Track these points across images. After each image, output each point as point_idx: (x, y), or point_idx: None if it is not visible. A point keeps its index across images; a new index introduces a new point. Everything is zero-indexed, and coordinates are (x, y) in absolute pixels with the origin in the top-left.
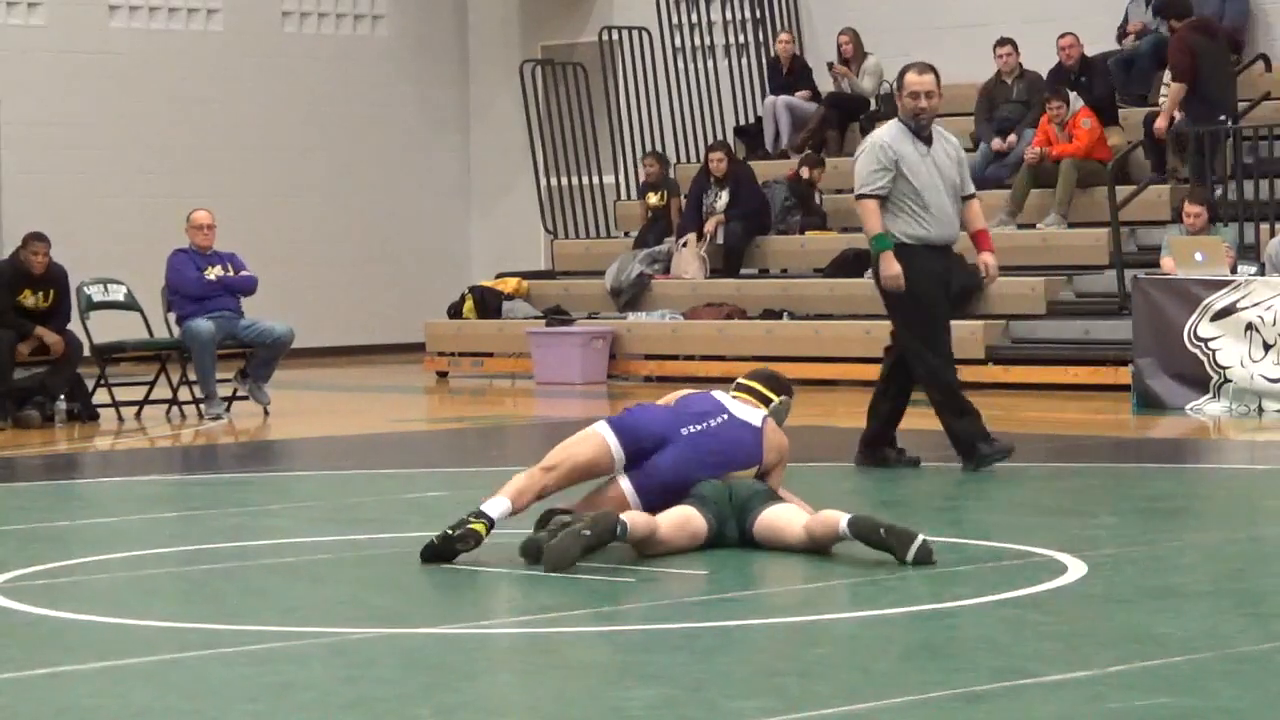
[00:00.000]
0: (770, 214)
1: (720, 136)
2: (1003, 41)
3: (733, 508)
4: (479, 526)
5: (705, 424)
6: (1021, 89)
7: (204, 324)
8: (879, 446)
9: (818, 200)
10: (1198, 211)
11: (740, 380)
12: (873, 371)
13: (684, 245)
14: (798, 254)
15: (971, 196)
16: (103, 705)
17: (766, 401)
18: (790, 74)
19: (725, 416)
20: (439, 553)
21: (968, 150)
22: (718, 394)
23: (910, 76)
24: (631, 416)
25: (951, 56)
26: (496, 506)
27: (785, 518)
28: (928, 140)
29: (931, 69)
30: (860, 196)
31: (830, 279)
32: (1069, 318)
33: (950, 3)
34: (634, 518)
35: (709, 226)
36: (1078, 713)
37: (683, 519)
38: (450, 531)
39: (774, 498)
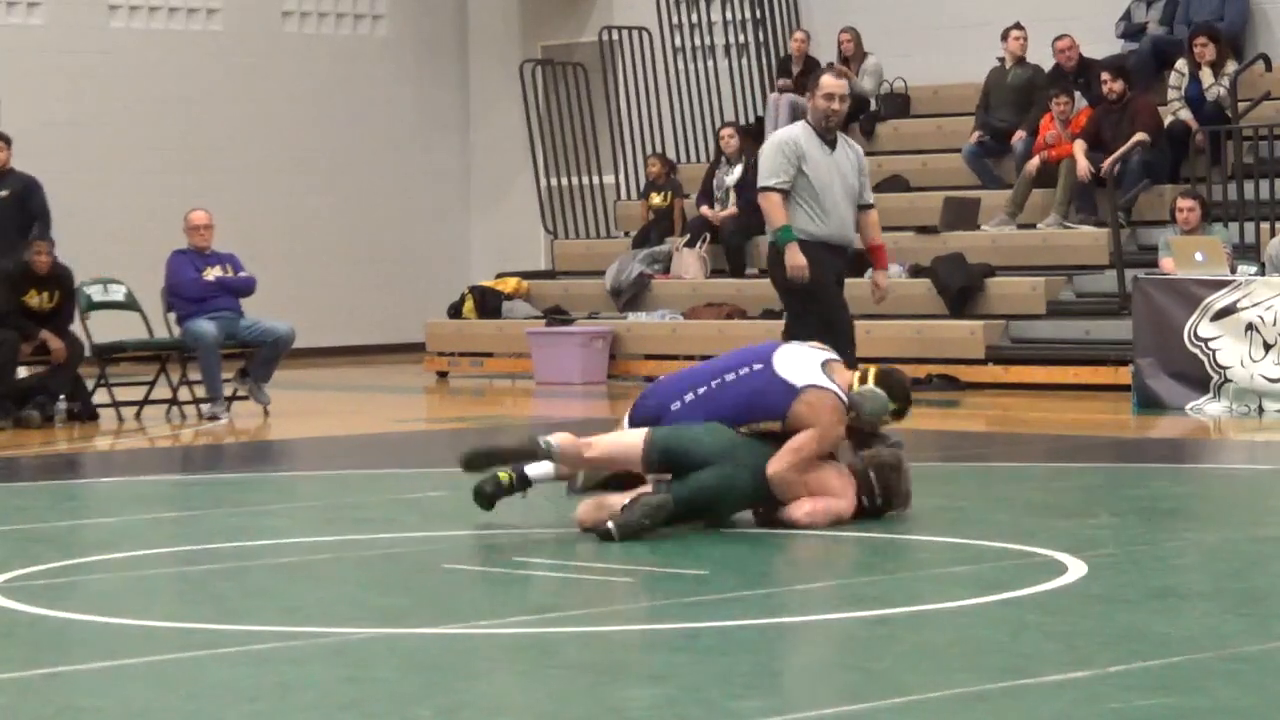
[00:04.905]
0: None
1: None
2: (1018, 26)
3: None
4: (505, 476)
5: (719, 380)
6: (1019, 75)
7: (207, 325)
8: None
9: None
10: (1190, 206)
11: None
12: None
13: (685, 245)
14: None
15: (870, 206)
16: (103, 705)
17: (863, 380)
18: (804, 73)
19: (759, 367)
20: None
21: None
22: (790, 347)
23: (826, 79)
24: (639, 402)
25: (951, 56)
26: (539, 469)
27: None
28: (831, 144)
29: (847, 76)
30: (764, 189)
31: None
32: (1069, 318)
33: (950, 3)
34: (563, 439)
35: (719, 212)
36: (1078, 713)
37: (616, 438)
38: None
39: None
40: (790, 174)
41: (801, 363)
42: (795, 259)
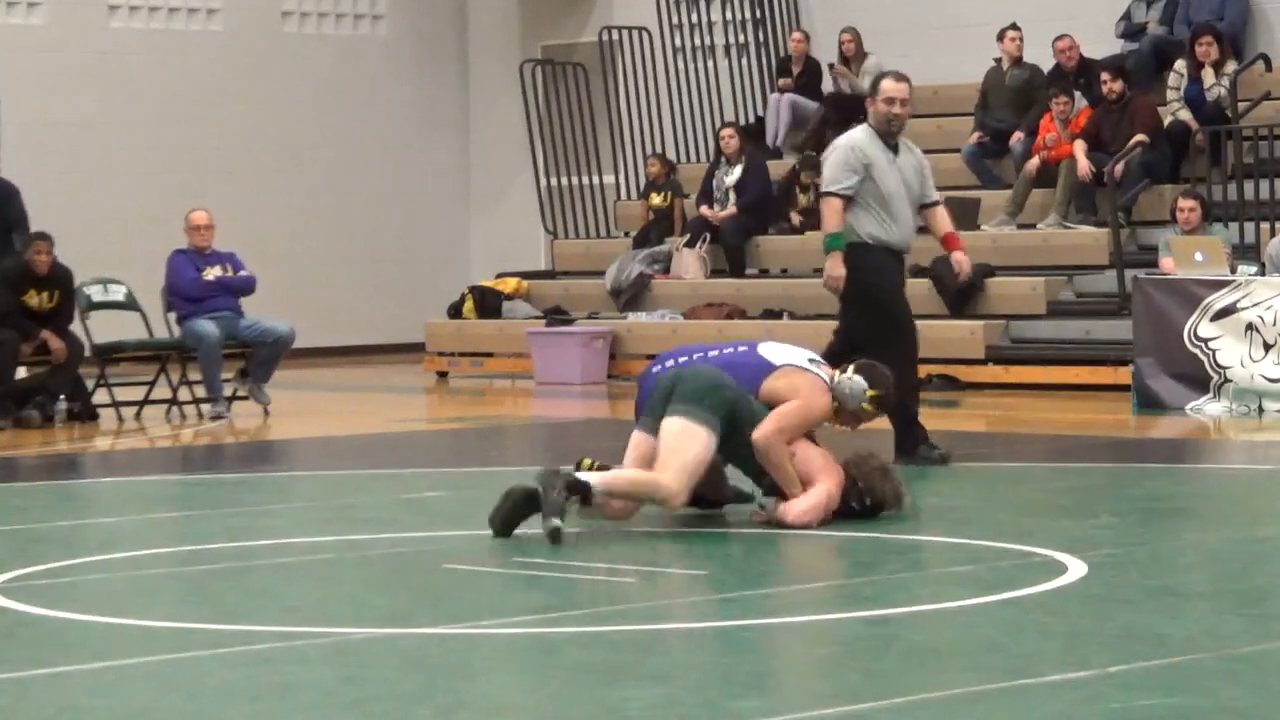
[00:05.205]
0: (774, 204)
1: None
2: (1013, 27)
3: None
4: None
5: (701, 354)
6: (1016, 76)
7: (208, 325)
8: None
9: (804, 202)
10: (1191, 206)
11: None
12: None
13: (685, 245)
14: (798, 254)
15: (936, 203)
16: (103, 705)
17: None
18: (804, 73)
19: (743, 348)
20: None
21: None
22: (779, 343)
23: (887, 83)
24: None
25: (951, 56)
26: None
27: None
28: (894, 148)
29: (907, 79)
30: (826, 194)
31: None
32: (1069, 318)
33: (950, 3)
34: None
35: (718, 213)
36: (1078, 713)
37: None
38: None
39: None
40: (854, 181)
41: (785, 352)
42: (835, 269)
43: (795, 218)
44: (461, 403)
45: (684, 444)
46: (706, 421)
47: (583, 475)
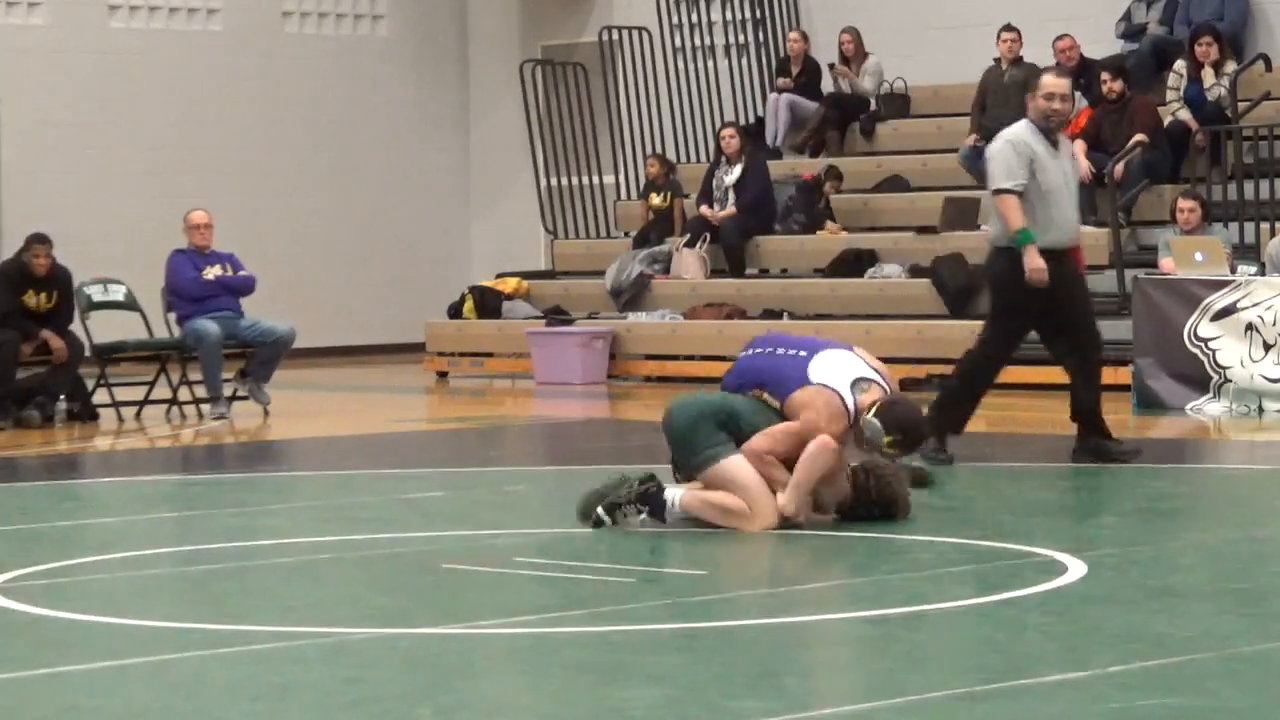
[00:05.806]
0: (775, 206)
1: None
2: (1008, 28)
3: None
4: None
5: (771, 349)
6: (1015, 76)
7: (209, 325)
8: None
9: (821, 205)
10: (1191, 207)
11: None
12: None
13: (684, 245)
14: (798, 254)
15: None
16: (103, 705)
17: (871, 408)
18: (803, 73)
19: (803, 354)
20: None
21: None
22: (836, 353)
23: (1047, 79)
24: None
25: (951, 56)
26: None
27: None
28: (1055, 144)
29: (1068, 74)
30: (1000, 191)
31: (830, 279)
32: None
33: (950, 3)
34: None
35: (717, 212)
36: (1078, 713)
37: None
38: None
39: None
40: (1025, 176)
41: (834, 367)
42: (1034, 261)
43: (831, 226)
44: (461, 403)
45: (732, 478)
46: (721, 452)
47: (669, 491)
